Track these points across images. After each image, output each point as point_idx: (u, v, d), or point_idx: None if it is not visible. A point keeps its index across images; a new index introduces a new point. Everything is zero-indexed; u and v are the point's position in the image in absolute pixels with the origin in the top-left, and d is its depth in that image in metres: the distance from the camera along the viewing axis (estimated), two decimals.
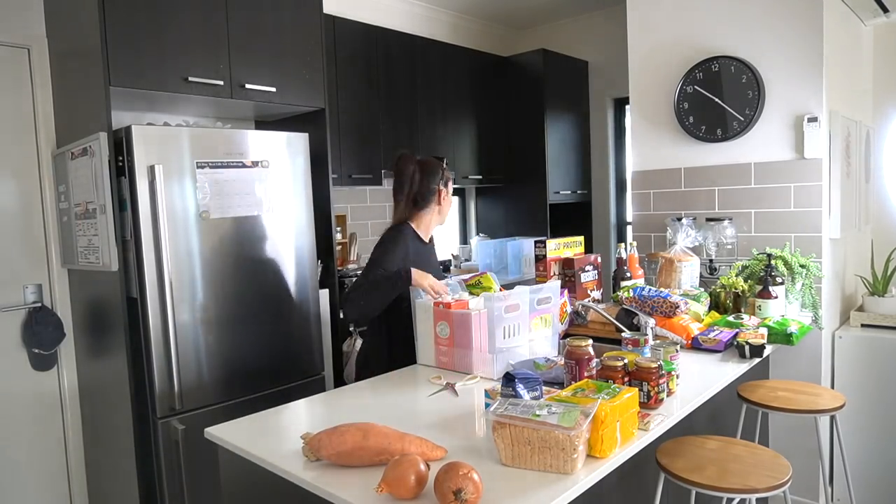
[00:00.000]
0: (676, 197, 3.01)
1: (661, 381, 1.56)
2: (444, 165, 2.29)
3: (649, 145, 3.09)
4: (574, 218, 4.73)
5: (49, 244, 2.77)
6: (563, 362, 1.67)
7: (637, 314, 2.13)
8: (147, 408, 2.39)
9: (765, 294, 2.38)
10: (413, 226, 2.25)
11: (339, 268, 3.30)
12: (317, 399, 1.79)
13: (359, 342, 2.96)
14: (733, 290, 2.46)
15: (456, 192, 4.80)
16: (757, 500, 1.55)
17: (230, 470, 1.52)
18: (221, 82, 2.59)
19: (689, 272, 2.68)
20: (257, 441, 1.46)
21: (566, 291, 2.27)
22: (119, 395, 2.43)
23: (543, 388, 1.50)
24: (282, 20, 2.80)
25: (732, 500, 1.71)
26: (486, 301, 1.89)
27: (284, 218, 2.74)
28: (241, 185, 2.56)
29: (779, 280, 2.43)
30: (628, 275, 2.59)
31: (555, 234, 3.32)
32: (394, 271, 2.06)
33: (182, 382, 2.40)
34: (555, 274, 2.50)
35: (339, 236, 3.36)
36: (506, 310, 1.87)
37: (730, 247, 2.82)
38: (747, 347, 1.99)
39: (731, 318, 2.27)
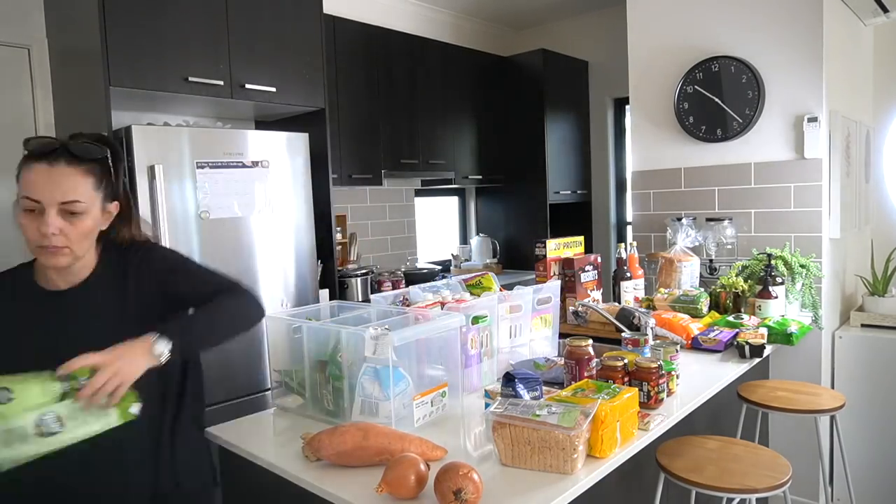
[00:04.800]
0: (676, 197, 3.01)
1: (661, 381, 1.56)
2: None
3: (649, 145, 3.09)
4: (574, 218, 4.73)
5: None
6: (563, 362, 1.67)
7: (637, 314, 2.13)
8: None
9: (765, 294, 2.38)
10: (35, 264, 1.31)
11: (339, 268, 3.30)
12: None
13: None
14: (733, 290, 2.46)
15: (456, 192, 4.80)
16: (757, 500, 1.55)
17: (230, 470, 1.52)
18: (221, 82, 2.59)
19: (689, 272, 2.68)
20: (257, 441, 1.46)
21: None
22: None
23: (543, 388, 1.50)
24: (282, 20, 2.80)
25: (732, 500, 1.71)
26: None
27: (284, 218, 2.74)
28: (240, 185, 2.56)
29: (779, 280, 2.43)
30: (628, 275, 2.59)
31: (555, 234, 3.32)
32: None
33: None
34: (555, 274, 2.50)
35: (339, 236, 3.36)
36: (507, 310, 1.87)
37: (730, 247, 2.82)
38: (747, 347, 2.00)
39: (731, 318, 2.27)
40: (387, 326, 1.52)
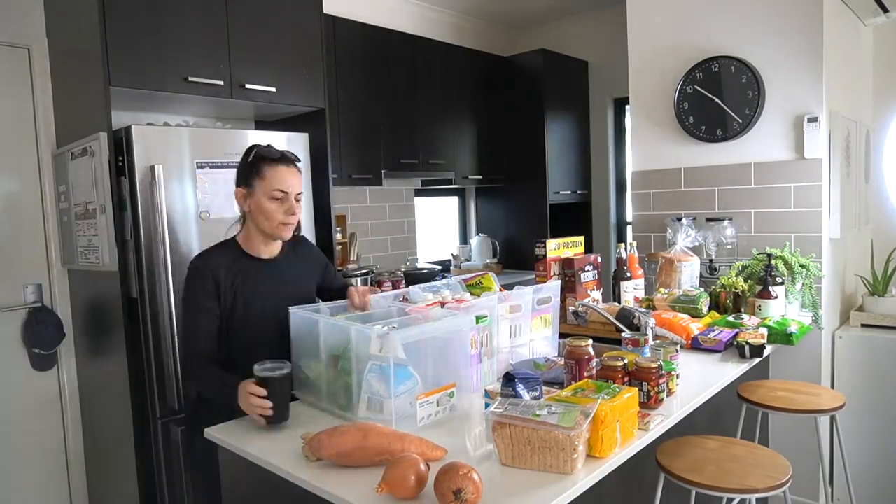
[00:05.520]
0: (676, 197, 3.01)
1: (661, 381, 1.56)
2: (250, 158, 1.70)
3: (649, 145, 3.08)
4: (574, 218, 4.73)
5: (49, 244, 2.77)
6: (563, 362, 1.67)
7: (637, 314, 2.13)
8: (147, 408, 2.39)
9: (765, 294, 2.38)
10: (239, 241, 1.77)
11: (339, 268, 3.30)
12: None
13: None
14: (733, 290, 2.46)
15: (456, 192, 4.80)
16: (757, 500, 1.55)
17: (230, 470, 1.52)
18: (221, 82, 2.59)
19: (689, 272, 2.68)
20: (257, 441, 1.46)
21: None
22: (119, 395, 2.43)
23: (543, 388, 1.50)
24: (282, 20, 2.80)
25: (732, 500, 1.71)
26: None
27: None
28: None
29: (779, 280, 2.43)
30: (628, 275, 2.59)
31: (555, 234, 3.32)
32: (227, 387, 1.55)
33: (181, 382, 2.40)
34: (555, 274, 2.50)
35: (339, 236, 3.36)
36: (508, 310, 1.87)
37: (730, 247, 2.82)
38: (747, 347, 2.00)
39: (731, 318, 2.27)
40: (394, 325, 1.54)
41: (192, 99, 2.61)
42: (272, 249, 1.78)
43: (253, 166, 1.67)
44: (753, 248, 2.74)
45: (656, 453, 1.68)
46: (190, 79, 2.49)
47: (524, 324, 1.93)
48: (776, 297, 2.37)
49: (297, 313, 1.71)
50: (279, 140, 2.72)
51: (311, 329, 1.65)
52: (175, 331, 2.36)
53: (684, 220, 2.81)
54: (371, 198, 4.05)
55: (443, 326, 1.59)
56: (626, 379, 1.57)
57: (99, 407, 2.71)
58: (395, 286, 3.53)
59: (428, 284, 2.09)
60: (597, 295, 2.56)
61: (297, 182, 1.71)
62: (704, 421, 2.15)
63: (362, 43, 3.55)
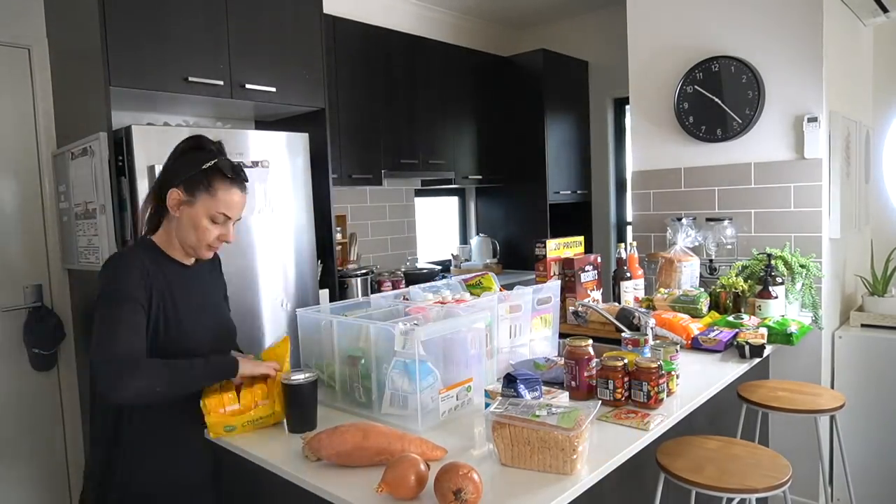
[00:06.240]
0: (676, 197, 3.01)
1: (661, 381, 1.56)
2: (204, 166, 1.49)
3: (649, 145, 3.09)
4: (574, 218, 4.73)
5: (49, 244, 2.77)
6: (563, 362, 1.67)
7: (637, 314, 2.13)
8: None
9: (765, 294, 2.38)
10: (157, 242, 1.54)
11: (339, 268, 3.30)
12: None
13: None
14: (733, 290, 2.46)
15: (456, 192, 4.80)
16: (757, 500, 1.55)
17: (230, 470, 1.52)
18: (221, 82, 2.59)
19: (689, 272, 2.68)
20: (257, 441, 1.46)
21: None
22: None
23: (543, 388, 1.50)
24: (282, 20, 2.80)
25: (732, 500, 1.71)
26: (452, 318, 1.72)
27: (284, 218, 2.74)
28: None
29: (779, 280, 2.43)
30: (628, 275, 2.59)
31: (555, 234, 3.32)
32: (220, 361, 1.50)
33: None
34: (555, 274, 2.50)
35: (339, 236, 3.36)
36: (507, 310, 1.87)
37: (730, 247, 2.82)
38: (747, 347, 2.00)
39: (731, 318, 2.27)
40: (415, 322, 1.57)
41: (192, 99, 2.61)
42: (191, 256, 1.59)
43: (205, 177, 1.47)
44: (753, 248, 2.74)
45: (656, 453, 1.68)
46: (190, 79, 2.49)
47: (524, 324, 1.93)
48: (776, 297, 2.37)
49: (307, 314, 1.73)
50: (279, 140, 2.72)
51: (322, 329, 1.67)
52: None
53: (684, 220, 2.81)
54: (371, 198, 4.05)
55: (461, 323, 1.62)
56: (625, 379, 1.57)
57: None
58: (395, 286, 3.54)
59: (428, 284, 2.09)
60: (597, 295, 2.56)
61: (243, 206, 1.56)
62: (704, 421, 2.15)
63: (362, 43, 3.55)
